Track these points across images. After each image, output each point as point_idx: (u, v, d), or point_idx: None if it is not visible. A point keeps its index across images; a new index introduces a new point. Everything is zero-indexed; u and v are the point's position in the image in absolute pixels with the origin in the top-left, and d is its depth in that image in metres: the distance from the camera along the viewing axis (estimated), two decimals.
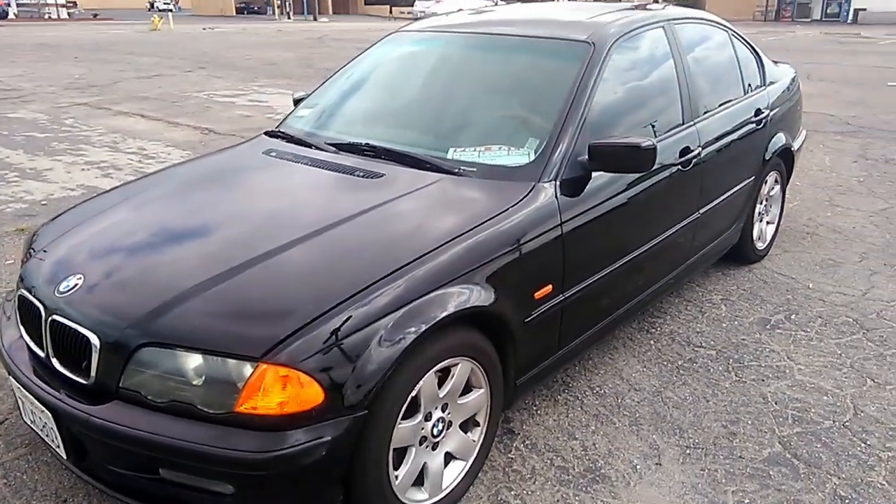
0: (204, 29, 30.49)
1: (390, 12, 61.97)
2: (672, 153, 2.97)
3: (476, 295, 2.10)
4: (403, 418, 2.00)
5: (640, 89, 3.05)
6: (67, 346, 1.99)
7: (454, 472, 2.24)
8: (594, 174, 2.55)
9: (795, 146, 4.20)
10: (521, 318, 2.30)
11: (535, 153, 2.52)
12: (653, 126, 2.96)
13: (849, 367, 3.03)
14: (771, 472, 2.41)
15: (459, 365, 2.14)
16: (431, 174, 2.50)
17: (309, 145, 2.89)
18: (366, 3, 69.13)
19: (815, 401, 2.81)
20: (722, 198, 3.43)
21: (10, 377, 2.14)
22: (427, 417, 2.11)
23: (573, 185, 2.49)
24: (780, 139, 3.95)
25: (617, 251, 2.74)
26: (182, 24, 33.75)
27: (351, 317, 1.85)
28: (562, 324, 2.52)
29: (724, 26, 3.83)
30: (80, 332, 1.94)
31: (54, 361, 2.03)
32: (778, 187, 4.18)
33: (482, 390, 2.26)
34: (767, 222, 4.16)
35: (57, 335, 2.02)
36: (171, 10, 39.72)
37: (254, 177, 2.74)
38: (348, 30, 31.09)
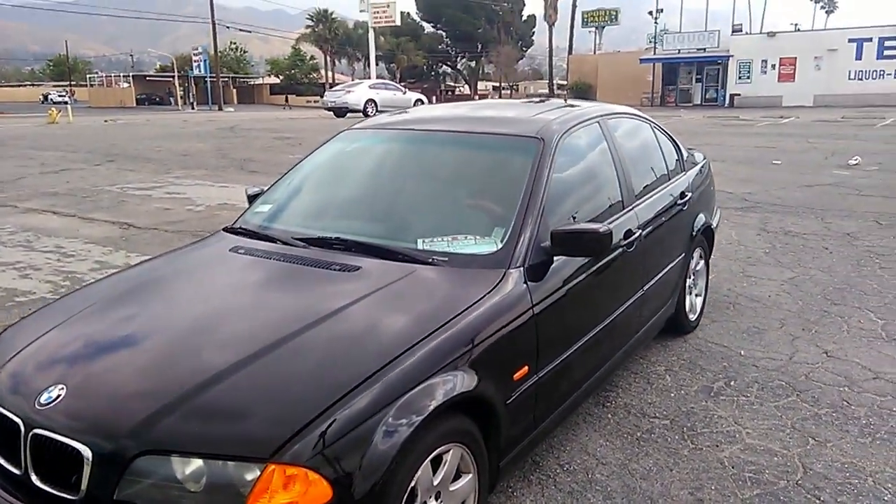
0: (106, 121, 29.93)
1: (286, 101, 63.02)
2: (618, 236, 3.19)
3: (464, 381, 2.18)
4: None
5: (585, 178, 3.30)
6: (51, 460, 1.91)
7: None
8: (555, 258, 2.72)
9: (714, 223, 4.58)
10: (504, 400, 2.38)
11: (502, 241, 2.67)
12: (607, 209, 3.20)
13: (790, 428, 3.26)
14: None
15: (451, 451, 2.18)
16: (406, 265, 2.60)
17: (275, 240, 2.94)
18: (271, 94, 70.02)
19: (766, 462, 2.99)
20: (660, 274, 3.68)
21: None
22: None
23: (538, 270, 2.65)
24: (701, 218, 4.30)
25: (581, 329, 2.89)
26: (81, 117, 32.99)
27: (353, 412, 1.89)
28: (537, 403, 2.61)
29: (646, 118, 4.20)
30: (68, 446, 1.88)
31: (34, 478, 1.94)
32: (703, 262, 4.51)
33: (471, 475, 2.30)
34: (696, 295, 4.46)
35: (39, 450, 1.94)
36: (66, 103, 38.76)
37: (227, 276, 2.75)
38: (258, 118, 31.29)
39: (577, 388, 2.97)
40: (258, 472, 1.76)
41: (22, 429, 1.97)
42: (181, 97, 53.66)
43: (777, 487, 2.81)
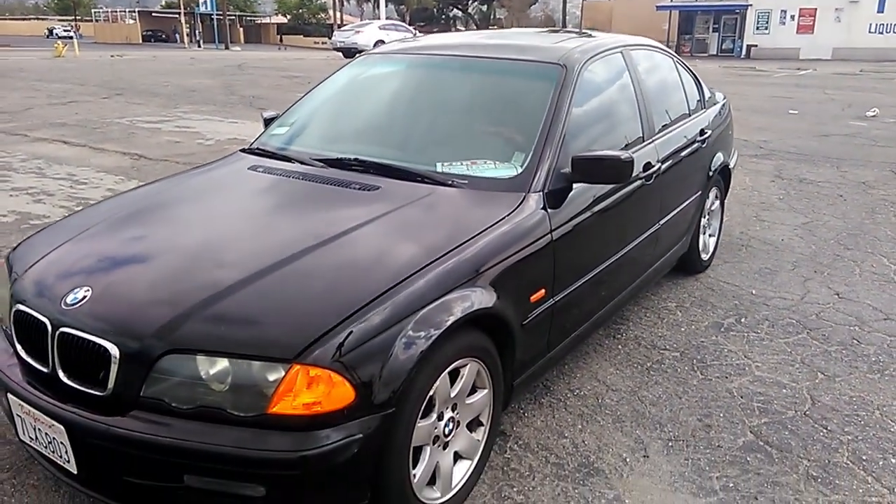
0: (112, 56, 29.51)
1: (280, 40, 61.98)
2: (637, 168, 3.16)
3: (481, 299, 2.19)
4: (420, 418, 2.06)
5: (606, 108, 3.26)
6: (78, 358, 1.95)
7: (461, 471, 2.31)
8: (574, 186, 2.71)
9: (731, 164, 4.54)
10: (520, 321, 2.40)
11: (522, 166, 2.65)
12: (627, 141, 3.17)
13: (800, 363, 3.29)
14: (748, 459, 2.60)
15: (468, 365, 2.22)
16: (425, 186, 2.59)
17: (293, 160, 2.93)
18: (278, 34, 68.80)
19: (775, 394, 3.03)
20: (676, 210, 3.67)
21: (8, 395, 2.07)
22: (440, 417, 2.17)
23: (557, 196, 2.64)
24: (719, 157, 4.26)
25: (597, 258, 2.90)
26: (88, 52, 32.53)
27: (376, 319, 1.91)
28: (552, 327, 2.64)
29: (668, 52, 4.13)
30: (96, 344, 1.91)
31: (62, 376, 1.98)
32: (718, 202, 4.49)
33: (486, 391, 2.34)
34: (710, 235, 4.45)
35: (66, 348, 1.97)
36: (72, 37, 38.14)
37: (245, 192, 2.75)
38: (265, 58, 30.83)
39: (590, 317, 2.99)
40: (282, 373, 1.79)
41: (49, 328, 2.01)
42: (187, 35, 52.74)
43: (785, 417, 2.86)
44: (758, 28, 39.06)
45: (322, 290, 2.03)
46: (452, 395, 2.19)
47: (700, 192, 4.03)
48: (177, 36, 57.26)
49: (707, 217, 4.33)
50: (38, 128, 9.81)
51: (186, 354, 1.84)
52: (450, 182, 2.61)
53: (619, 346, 3.44)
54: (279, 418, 1.79)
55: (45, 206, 5.74)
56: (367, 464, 1.90)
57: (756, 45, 38.30)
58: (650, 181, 3.25)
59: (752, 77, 21.69)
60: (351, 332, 1.86)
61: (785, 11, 38.27)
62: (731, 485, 2.45)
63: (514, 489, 2.41)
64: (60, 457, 1.97)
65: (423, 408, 2.04)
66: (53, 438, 1.96)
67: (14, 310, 2.15)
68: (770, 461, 2.58)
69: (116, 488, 1.97)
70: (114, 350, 1.88)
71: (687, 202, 3.83)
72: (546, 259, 2.53)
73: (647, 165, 3.24)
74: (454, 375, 2.20)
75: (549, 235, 2.53)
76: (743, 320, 3.74)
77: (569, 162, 2.65)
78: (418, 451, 2.11)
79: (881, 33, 36.20)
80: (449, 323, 2.04)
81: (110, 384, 1.89)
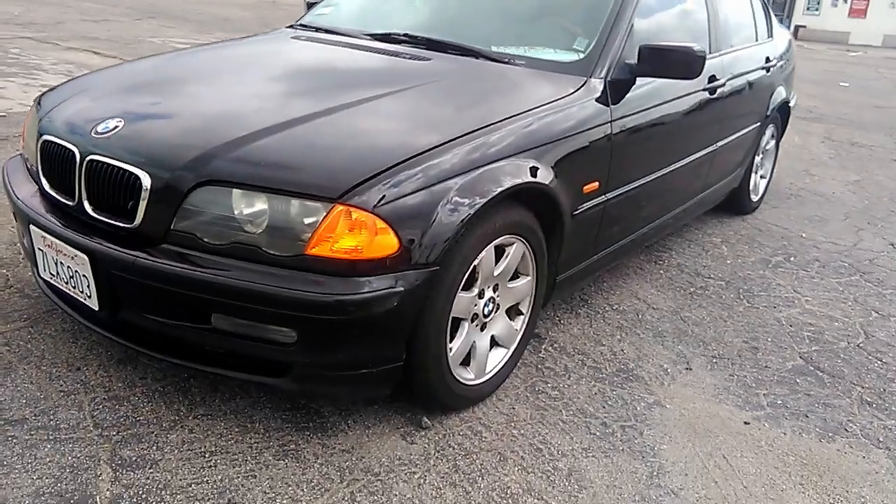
0: None
1: None
2: (701, 82, 2.97)
3: (533, 173, 2.04)
4: (462, 289, 1.92)
5: (675, 12, 3.05)
6: (106, 190, 1.83)
7: (496, 358, 2.18)
8: (638, 80, 2.52)
9: (791, 102, 4.30)
10: (571, 209, 2.25)
11: (585, 51, 2.47)
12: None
13: (853, 301, 3.12)
14: (798, 380, 2.45)
15: (514, 245, 2.07)
16: (479, 60, 2.43)
17: (342, 34, 2.76)
18: None
19: (827, 326, 2.87)
20: (733, 136, 3.47)
21: (30, 227, 1.95)
22: (480, 295, 2.04)
23: (620, 88, 2.46)
24: (780, 92, 4.03)
25: (653, 161, 2.73)
26: None
27: (425, 172, 1.77)
28: (600, 226, 2.48)
29: None
30: (127, 172, 1.78)
31: (88, 208, 1.86)
32: (773, 142, 4.27)
33: (528, 278, 2.20)
34: (761, 176, 4.25)
35: (94, 179, 1.85)
36: None
37: (293, 54, 2.61)
38: None
39: (638, 229, 2.83)
40: (324, 213, 1.65)
41: (77, 156, 1.88)
42: None
43: (837, 347, 2.70)
44: (808, 8, 37.81)
45: (368, 139, 1.89)
46: (496, 273, 2.05)
47: (758, 125, 3.81)
48: None
49: (761, 156, 4.12)
50: (69, 39, 9.67)
51: (221, 187, 1.71)
52: (506, 60, 2.44)
53: (661, 272, 3.27)
54: (318, 260, 1.66)
55: None
56: (406, 321, 1.77)
57: (805, 27, 37.07)
58: (713, 95, 3.05)
59: (801, 52, 21.02)
60: (397, 181, 1.72)
61: None
62: (780, 402, 2.31)
63: (549, 385, 2.28)
64: (82, 292, 1.86)
65: (465, 277, 1.90)
66: (76, 272, 1.85)
67: (41, 141, 2.03)
68: (821, 385, 2.43)
69: (138, 330, 1.87)
70: (145, 179, 1.76)
71: (744, 131, 3.62)
72: (603, 151, 2.36)
73: (712, 78, 3.04)
74: (499, 254, 2.06)
75: (609, 126, 2.36)
76: (792, 259, 3.56)
77: (635, 53, 2.46)
78: (456, 325, 1.99)
79: None
80: (498, 191, 1.89)
81: (139, 216, 1.77)
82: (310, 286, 1.65)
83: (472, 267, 1.91)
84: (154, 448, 1.79)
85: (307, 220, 1.66)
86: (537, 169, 2.05)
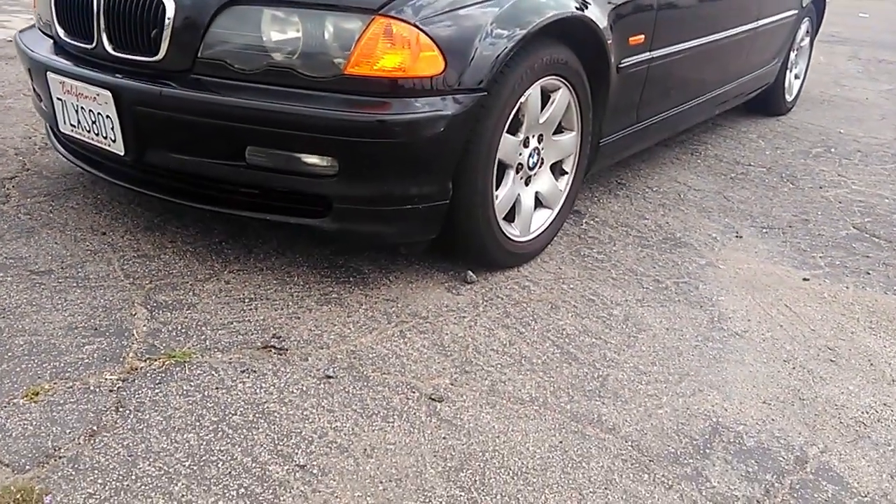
0: None
1: None
2: None
3: (588, 8, 1.92)
4: (507, 132, 1.81)
5: None
6: (128, 24, 1.70)
7: (541, 218, 2.07)
8: None
9: None
10: (616, 62, 2.12)
11: None
12: None
13: None
14: (854, 245, 2.34)
15: (560, 90, 1.95)
16: None
17: None
18: None
19: (877, 202, 2.74)
20: (771, 19, 3.31)
21: (48, 75, 1.84)
22: (525, 144, 1.92)
23: None
24: None
25: (695, 28, 2.60)
26: None
27: None
28: (643, 91, 2.36)
29: None
30: (148, 1, 1.66)
31: (108, 47, 1.75)
32: (808, 39, 4.10)
33: (574, 133, 2.08)
34: (795, 76, 4.08)
35: (114, 13, 1.72)
36: None
37: None
38: None
39: (680, 102, 2.70)
40: (362, 27, 1.53)
41: None
42: None
43: (891, 218, 2.58)
44: None
45: None
46: (541, 120, 1.93)
47: (796, 14, 3.64)
48: None
49: (795, 52, 3.95)
50: None
51: (254, 5, 1.59)
52: None
53: (699, 161, 3.14)
54: (358, 80, 1.55)
55: None
56: (453, 151, 1.66)
57: None
58: None
59: None
60: None
61: None
62: (838, 262, 2.20)
63: (594, 250, 2.18)
64: (105, 137, 1.75)
65: (512, 114, 1.79)
66: (98, 114, 1.73)
67: None
68: (878, 248, 2.32)
69: (166, 180, 1.76)
70: (169, 4, 1.63)
71: (782, 16, 3.45)
72: (649, 2, 2.23)
73: None
74: (545, 101, 1.93)
75: None
76: (833, 150, 3.42)
77: None
78: (501, 174, 1.87)
79: None
80: (548, 15, 1.76)
81: (163, 48, 1.65)
82: (351, 107, 1.53)
83: (518, 105, 1.79)
84: (191, 294, 1.70)
85: (347, 35, 1.54)
86: (587, 4, 1.92)
